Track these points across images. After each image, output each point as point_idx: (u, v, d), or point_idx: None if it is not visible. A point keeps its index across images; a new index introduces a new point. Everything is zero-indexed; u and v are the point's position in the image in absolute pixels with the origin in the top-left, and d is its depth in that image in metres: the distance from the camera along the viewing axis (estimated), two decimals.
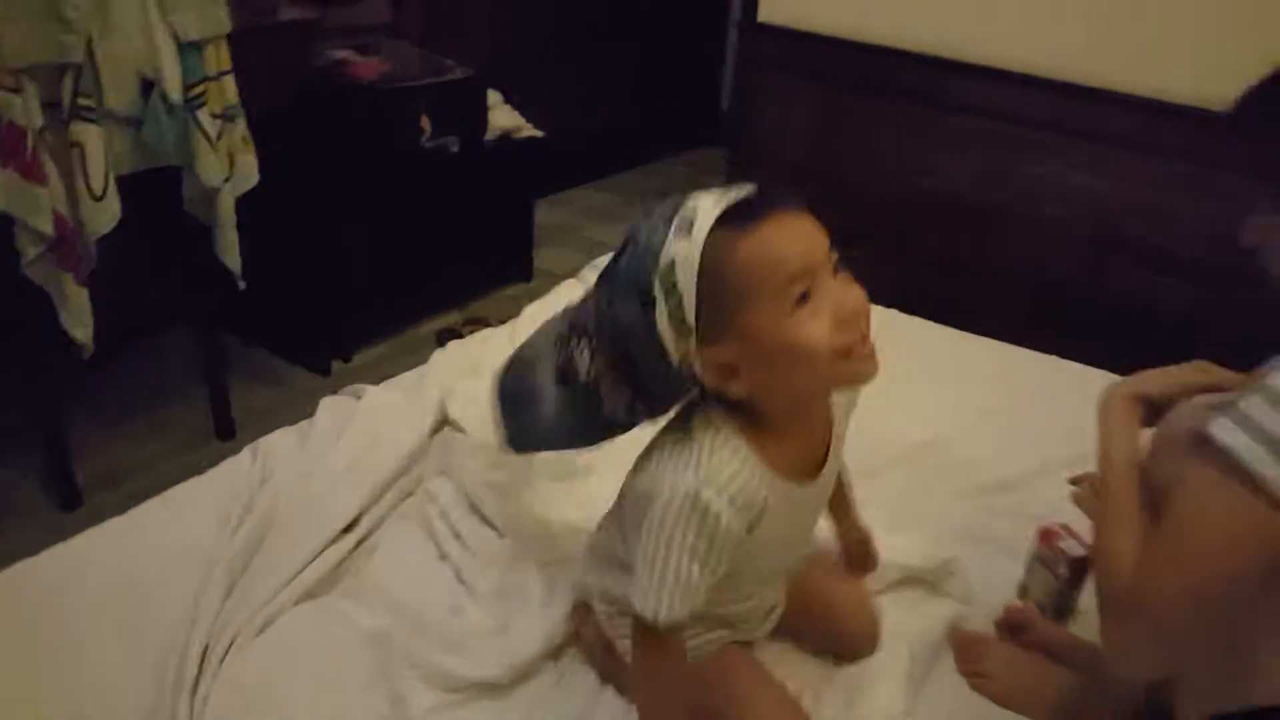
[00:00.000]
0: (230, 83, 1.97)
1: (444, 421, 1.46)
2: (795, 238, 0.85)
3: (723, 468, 0.88)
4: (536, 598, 1.20)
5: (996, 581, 1.32)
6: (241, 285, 2.09)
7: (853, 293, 0.88)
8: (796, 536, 1.05)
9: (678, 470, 0.89)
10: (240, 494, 1.29)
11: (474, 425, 1.40)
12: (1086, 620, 1.26)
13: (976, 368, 1.87)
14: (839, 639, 1.19)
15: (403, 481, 1.37)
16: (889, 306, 2.02)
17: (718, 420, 0.92)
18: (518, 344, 1.63)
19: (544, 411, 1.02)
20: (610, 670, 1.13)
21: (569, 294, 1.90)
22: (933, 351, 1.91)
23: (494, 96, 2.83)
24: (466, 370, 1.59)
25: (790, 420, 0.93)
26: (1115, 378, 1.07)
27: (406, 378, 1.61)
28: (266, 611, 1.11)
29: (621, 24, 3.74)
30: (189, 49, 1.85)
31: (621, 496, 1.05)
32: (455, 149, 2.66)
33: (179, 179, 1.96)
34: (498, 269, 3.03)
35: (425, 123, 2.57)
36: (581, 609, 1.17)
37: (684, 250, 0.84)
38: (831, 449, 0.99)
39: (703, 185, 0.92)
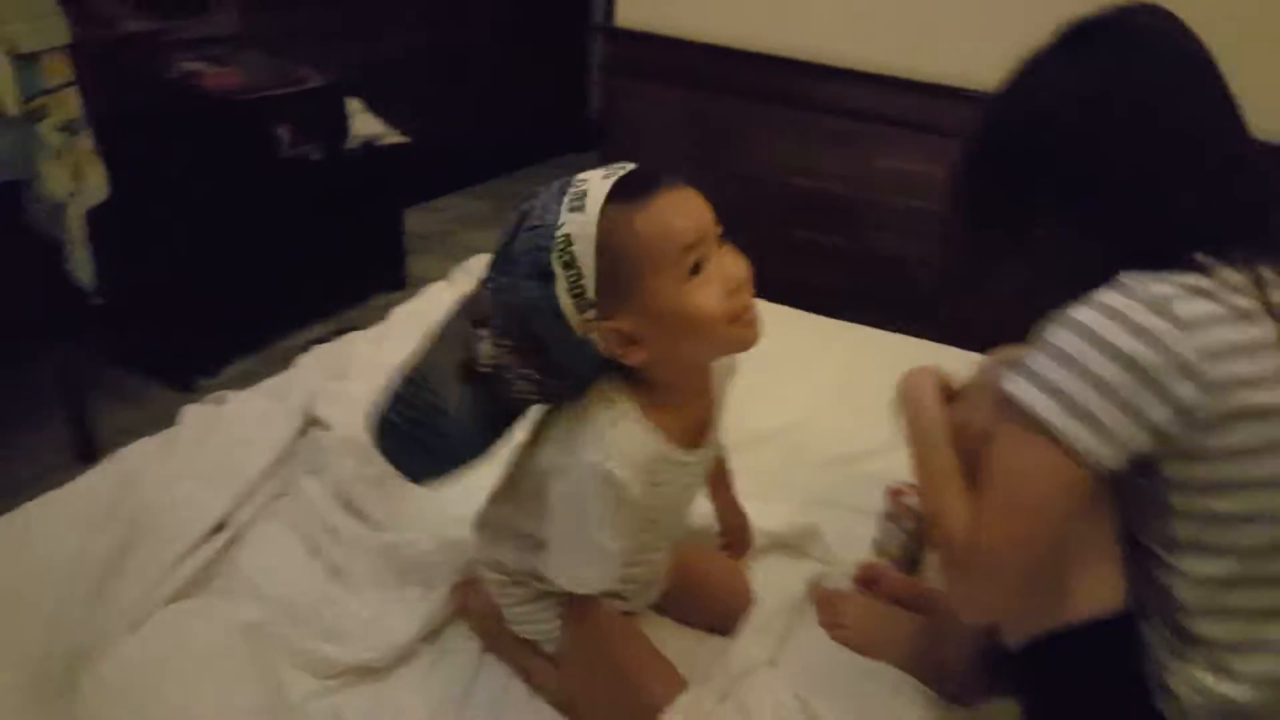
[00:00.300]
0: (73, 95, 1.91)
1: (312, 422, 1.45)
2: (686, 210, 0.91)
3: (625, 440, 0.93)
4: (414, 584, 1.22)
5: (855, 542, 1.40)
6: (97, 301, 2.03)
7: (738, 262, 0.94)
8: (684, 502, 1.10)
9: (580, 448, 0.93)
10: (102, 503, 1.26)
11: (342, 422, 1.40)
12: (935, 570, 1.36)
13: (839, 350, 1.98)
14: (714, 610, 1.24)
15: (272, 483, 1.36)
16: (760, 298, 2.12)
17: (612, 393, 0.96)
18: (385, 348, 1.67)
19: (450, 418, 1.02)
20: (497, 638, 1.16)
21: (439, 297, 1.92)
22: (798, 338, 2.01)
23: (355, 104, 2.82)
24: (334, 373, 1.59)
25: (682, 387, 0.98)
26: (970, 354, 1.16)
27: (272, 383, 1.60)
28: (138, 611, 1.10)
29: (482, 30, 3.76)
30: (25, 61, 1.79)
31: (515, 469, 1.07)
32: (317, 157, 2.63)
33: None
34: (368, 278, 3.00)
35: (284, 132, 2.54)
36: (464, 584, 1.20)
37: (579, 224, 0.88)
38: (713, 415, 1.05)
39: None
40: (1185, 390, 0.85)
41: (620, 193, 0.89)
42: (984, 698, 1.16)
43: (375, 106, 2.91)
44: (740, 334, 0.93)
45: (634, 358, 0.92)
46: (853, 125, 2.46)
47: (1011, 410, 0.90)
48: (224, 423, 1.44)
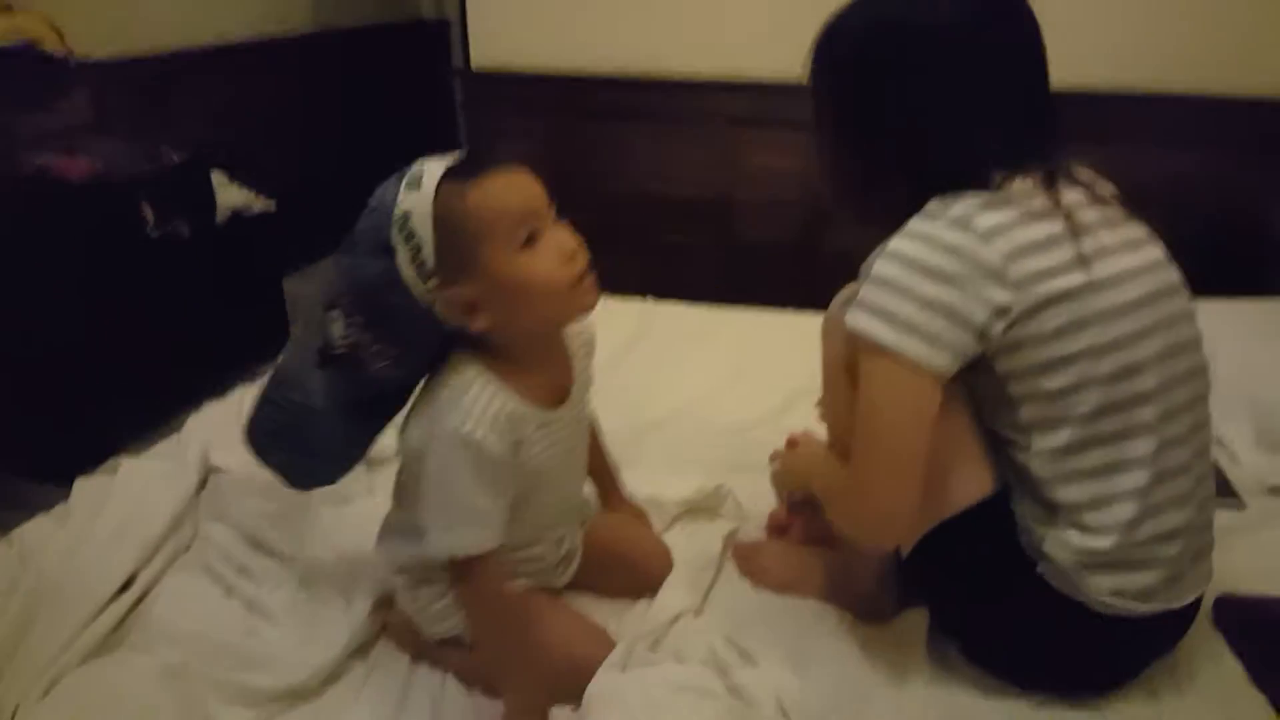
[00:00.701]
0: None
1: (210, 470, 1.44)
2: (517, 187, 0.98)
3: (476, 402, 0.98)
4: (334, 607, 1.21)
5: (764, 499, 1.44)
6: None
7: (571, 236, 1.01)
8: (566, 464, 1.14)
9: (438, 419, 0.98)
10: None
11: (239, 464, 1.39)
12: None
13: (728, 334, 2.06)
14: (635, 577, 1.27)
15: (176, 537, 1.34)
16: (644, 298, 2.20)
17: (462, 364, 1.01)
18: None
19: (320, 413, 1.06)
20: (421, 646, 1.16)
21: None
22: (689, 328, 2.10)
23: (219, 177, 2.80)
24: (229, 421, 1.58)
25: (529, 351, 1.04)
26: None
27: (164, 445, 1.58)
28: (49, 675, 1.07)
29: (342, 86, 3.76)
30: None
31: (400, 466, 1.11)
32: (185, 234, 2.60)
33: None
34: (254, 348, 2.94)
35: (148, 212, 2.50)
36: (383, 602, 1.20)
37: (416, 200, 0.95)
38: (576, 381, 1.11)
39: None
40: (995, 292, 0.95)
41: (455, 173, 0.96)
42: (897, 611, 1.22)
43: (241, 177, 2.90)
44: (576, 299, 1.01)
45: (477, 324, 0.98)
46: (711, 130, 2.57)
47: (857, 342, 0.99)
48: (119, 488, 1.41)
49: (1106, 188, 1.08)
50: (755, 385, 1.80)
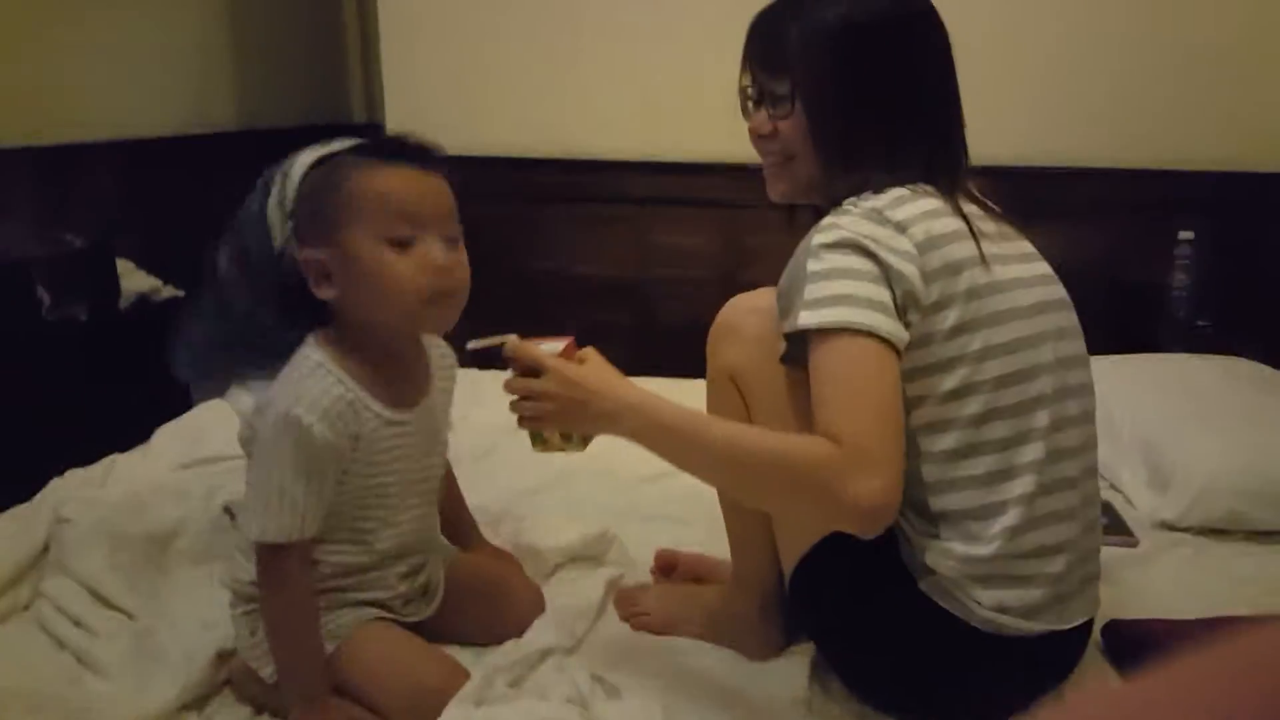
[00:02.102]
0: None
1: (59, 522, 1.34)
2: (419, 188, 0.97)
3: (311, 387, 0.96)
4: (172, 660, 1.12)
5: (651, 547, 1.40)
6: None
7: (454, 257, 0.99)
8: (414, 481, 1.09)
9: (274, 400, 0.97)
10: None
11: (89, 516, 1.31)
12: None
13: None
14: (505, 616, 1.19)
15: (11, 595, 1.24)
16: None
17: (309, 349, 1.00)
18: (147, 460, 1.60)
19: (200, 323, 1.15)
20: (263, 698, 1.07)
21: (207, 415, 1.87)
22: None
23: (126, 264, 2.76)
24: (91, 482, 1.50)
25: (380, 349, 1.02)
26: None
27: (19, 509, 1.47)
28: None
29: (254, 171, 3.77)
30: None
31: None
32: (84, 318, 2.54)
33: None
34: (144, 426, 2.85)
35: (44, 295, 2.44)
36: (226, 655, 1.12)
37: (312, 154, 1.00)
38: (432, 391, 1.09)
39: None
40: (915, 279, 0.94)
41: (369, 149, 0.99)
42: (783, 646, 1.17)
43: (154, 266, 2.86)
44: (425, 313, 0.99)
45: (323, 292, 0.98)
46: (625, 210, 2.61)
47: (816, 339, 0.93)
48: None
49: (996, 207, 1.08)
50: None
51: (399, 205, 0.96)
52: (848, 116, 1.03)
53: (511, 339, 0.99)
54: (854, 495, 0.86)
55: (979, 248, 0.97)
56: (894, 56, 1.02)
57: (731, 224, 2.54)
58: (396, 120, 2.73)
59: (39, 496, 1.51)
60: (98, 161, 3.08)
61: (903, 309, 0.94)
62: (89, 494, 1.41)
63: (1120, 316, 2.13)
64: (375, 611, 1.08)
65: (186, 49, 3.52)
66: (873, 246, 0.94)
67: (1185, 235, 2.09)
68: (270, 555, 0.97)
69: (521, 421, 1.01)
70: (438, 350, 1.13)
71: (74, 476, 1.59)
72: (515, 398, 1.00)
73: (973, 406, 0.97)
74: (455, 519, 1.26)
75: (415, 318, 1.00)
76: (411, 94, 2.69)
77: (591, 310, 2.68)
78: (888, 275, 0.93)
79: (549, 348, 1.00)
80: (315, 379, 0.97)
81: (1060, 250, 1.09)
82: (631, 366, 2.28)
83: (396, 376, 1.04)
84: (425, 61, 2.66)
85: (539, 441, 1.03)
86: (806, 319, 0.93)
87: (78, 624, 1.17)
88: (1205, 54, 2.19)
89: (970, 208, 1.01)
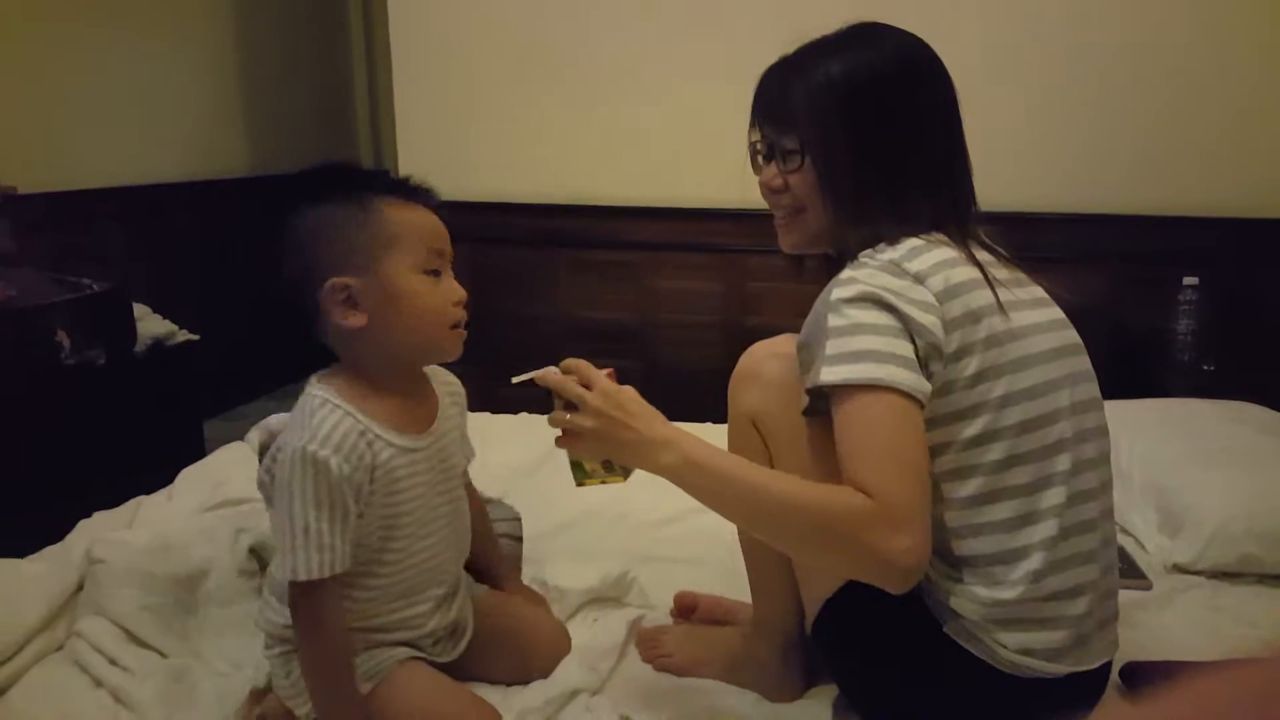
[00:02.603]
0: None
1: (93, 563, 1.36)
2: (438, 224, 1.07)
3: (323, 424, 0.99)
4: (205, 698, 1.13)
5: (671, 588, 1.41)
6: None
7: (460, 289, 1.07)
8: (432, 507, 1.10)
9: (287, 439, 0.99)
10: None
11: (122, 557, 1.32)
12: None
13: None
14: (532, 657, 1.21)
15: (47, 635, 1.26)
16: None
17: (316, 385, 1.04)
18: (174, 501, 1.62)
19: None
20: None
21: (229, 456, 1.89)
22: None
23: (143, 308, 2.79)
24: (119, 524, 1.52)
25: (391, 376, 1.07)
26: None
27: (51, 549, 1.50)
28: None
29: (275, 229, 3.81)
30: None
31: None
32: (101, 362, 2.57)
33: None
34: (165, 469, 2.86)
35: (63, 338, 2.48)
36: (260, 694, 1.13)
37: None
38: (439, 418, 1.13)
39: None
40: (937, 329, 0.95)
41: (392, 186, 1.05)
42: (803, 689, 1.18)
43: (167, 310, 2.90)
44: (447, 340, 1.07)
45: (350, 319, 1.01)
46: (630, 255, 2.65)
47: (840, 394, 0.94)
48: None
49: (1006, 253, 1.10)
50: (666, 487, 1.78)
51: (431, 240, 1.04)
52: (856, 170, 1.05)
53: (553, 370, 1.02)
54: (887, 551, 0.87)
55: (995, 295, 0.99)
56: (898, 110, 1.04)
57: (735, 269, 2.58)
58: (409, 165, 2.78)
59: (69, 537, 1.53)
60: (113, 206, 3.14)
61: (925, 360, 0.95)
62: (118, 535, 1.42)
63: (1126, 360, 2.16)
64: (408, 651, 1.09)
65: (199, 97, 3.59)
66: (892, 300, 0.95)
67: (1190, 280, 2.13)
68: (303, 594, 0.98)
69: (562, 440, 1.03)
70: (440, 378, 1.17)
71: (101, 518, 1.61)
72: (557, 426, 1.03)
73: (995, 453, 0.98)
74: (487, 556, 1.27)
75: (443, 343, 1.06)
76: (422, 140, 2.75)
77: (596, 355, 2.70)
78: (909, 328, 0.95)
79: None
80: (324, 414, 1.00)
81: (1066, 294, 1.12)
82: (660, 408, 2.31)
83: (404, 405, 1.08)
84: (436, 108, 2.72)
85: (580, 473, 1.06)
86: (829, 375, 0.94)
87: (113, 662, 1.19)
88: (1210, 102, 2.25)
89: (983, 255, 1.03)
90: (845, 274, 0.99)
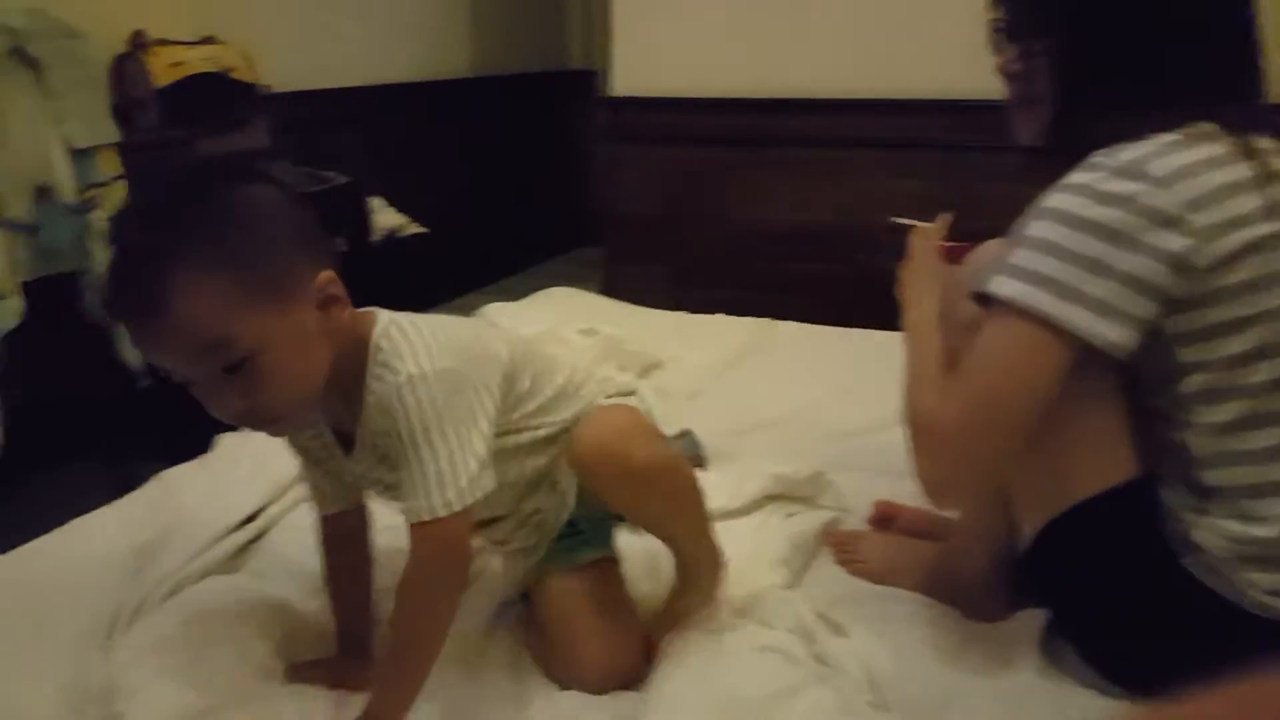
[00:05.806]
0: (122, 188, 2.08)
1: None
2: None
3: (416, 338, 0.94)
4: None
5: (867, 497, 1.41)
6: (144, 384, 2.13)
7: None
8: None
9: (389, 382, 0.91)
10: (144, 507, 1.34)
11: None
12: None
13: (845, 351, 2.06)
14: (550, 658, 1.08)
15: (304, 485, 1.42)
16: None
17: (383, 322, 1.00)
18: None
19: None
20: None
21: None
22: (805, 347, 2.13)
23: (378, 201, 3.00)
24: None
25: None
26: None
27: None
28: (171, 584, 1.15)
29: (495, 127, 3.98)
30: (81, 155, 1.97)
31: None
32: (344, 249, 2.79)
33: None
34: None
35: None
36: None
37: None
38: (359, 441, 0.99)
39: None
40: (1173, 242, 0.88)
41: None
42: (1006, 613, 1.15)
43: (398, 204, 3.10)
44: None
45: (333, 313, 0.94)
46: (836, 153, 2.57)
47: (1002, 308, 0.92)
48: (257, 443, 1.50)
49: None
50: (865, 398, 1.77)
51: None
52: (1110, 45, 0.96)
53: (923, 226, 1.24)
54: (916, 464, 0.97)
55: (1266, 196, 0.90)
56: None
57: (960, 168, 2.43)
58: (623, 65, 2.81)
59: None
60: (349, 106, 3.36)
61: (1166, 286, 0.89)
62: None
63: None
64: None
65: (427, 3, 3.76)
66: (1117, 219, 0.88)
67: None
68: (449, 529, 0.88)
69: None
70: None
71: None
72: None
73: (1261, 373, 0.91)
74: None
75: None
76: (639, 40, 2.76)
77: (795, 260, 2.65)
78: (1135, 248, 0.87)
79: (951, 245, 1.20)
80: (411, 335, 0.94)
81: None
82: (841, 319, 2.27)
83: (331, 413, 1.02)
84: (652, 7, 2.71)
85: None
86: (999, 286, 0.91)
87: None
88: None
89: (1263, 141, 0.93)
90: (1073, 178, 0.92)
